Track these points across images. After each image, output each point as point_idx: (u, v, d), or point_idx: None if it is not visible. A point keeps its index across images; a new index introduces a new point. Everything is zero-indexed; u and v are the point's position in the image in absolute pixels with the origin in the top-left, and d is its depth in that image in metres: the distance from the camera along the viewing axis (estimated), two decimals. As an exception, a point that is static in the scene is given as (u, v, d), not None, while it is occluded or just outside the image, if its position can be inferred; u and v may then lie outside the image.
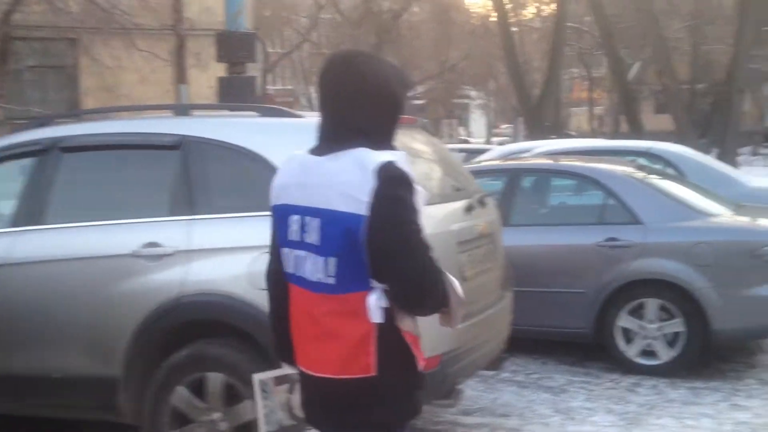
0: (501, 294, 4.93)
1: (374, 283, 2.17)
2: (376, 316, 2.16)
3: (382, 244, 2.11)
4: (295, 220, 2.26)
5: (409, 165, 2.20)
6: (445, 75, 28.00)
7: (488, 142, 46.26)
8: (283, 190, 2.32)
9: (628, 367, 6.17)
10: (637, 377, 6.06)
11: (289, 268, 2.31)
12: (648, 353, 6.16)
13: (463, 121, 52.07)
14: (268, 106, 4.66)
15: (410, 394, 2.28)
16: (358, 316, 2.17)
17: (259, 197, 3.06)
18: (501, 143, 41.77)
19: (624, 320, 6.16)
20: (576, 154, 8.38)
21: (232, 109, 4.68)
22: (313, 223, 2.20)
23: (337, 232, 2.15)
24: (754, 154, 36.84)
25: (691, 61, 25.62)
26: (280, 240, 2.34)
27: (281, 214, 2.32)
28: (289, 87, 33.67)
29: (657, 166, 8.07)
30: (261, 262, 2.63)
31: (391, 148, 2.24)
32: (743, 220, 6.38)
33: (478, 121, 52.22)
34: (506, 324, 4.96)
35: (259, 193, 3.03)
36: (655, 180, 6.62)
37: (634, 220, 6.16)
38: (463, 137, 42.65)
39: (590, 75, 44.94)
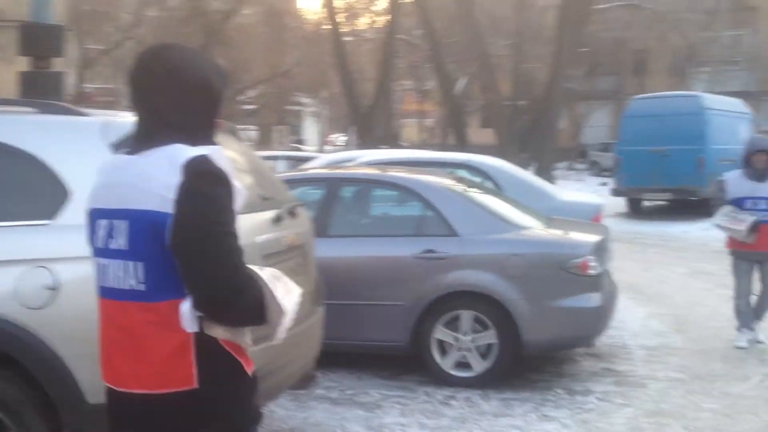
0: (311, 309, 4.72)
1: (185, 290, 2.04)
2: (190, 326, 2.03)
3: (185, 245, 1.98)
4: (102, 225, 2.12)
5: (225, 160, 2.08)
6: (276, 80, 27.69)
7: (321, 150, 46.46)
8: (93, 192, 2.18)
9: (443, 380, 6.18)
10: (452, 390, 6.07)
11: (96, 278, 2.16)
12: (462, 365, 6.19)
13: (296, 129, 51.89)
14: (48, 102, 4.20)
15: (243, 402, 2.16)
16: (169, 325, 2.03)
17: (33, 203, 2.70)
18: (334, 152, 42.12)
19: (440, 332, 6.16)
20: (398, 164, 8.35)
21: (6, 104, 4.16)
22: (122, 226, 2.06)
23: (144, 233, 2.02)
24: (570, 169, 39.04)
25: (513, 79, 26.71)
26: (91, 249, 2.19)
27: (90, 220, 2.18)
28: (111, 86, 32.17)
29: (476, 179, 8.20)
30: (32, 277, 2.27)
31: (210, 143, 2.13)
32: (553, 233, 6.55)
33: (310, 129, 52.22)
34: (316, 341, 4.78)
35: (33, 199, 2.67)
36: (472, 192, 6.67)
37: (451, 232, 6.17)
38: (294, 144, 42.43)
39: (421, 87, 46.07)
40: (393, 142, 44.11)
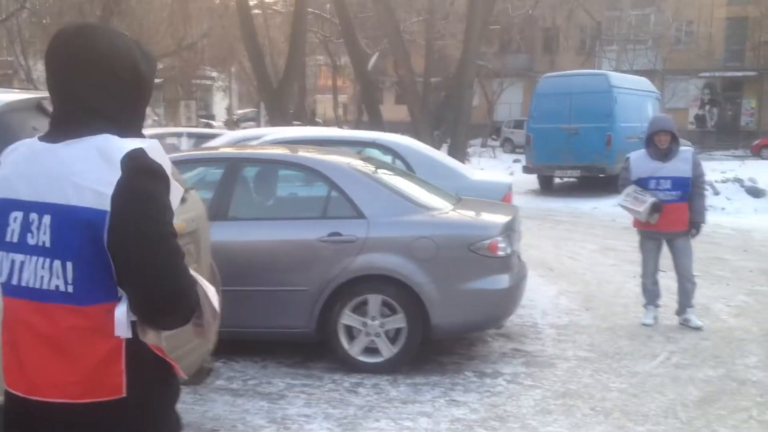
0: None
1: (121, 292, 1.89)
2: (124, 332, 1.89)
3: (125, 246, 1.84)
4: (15, 217, 1.92)
5: (163, 155, 1.94)
6: (182, 54, 26.87)
7: (231, 126, 45.57)
8: (3, 182, 1.96)
9: (351, 366, 6.01)
10: (360, 376, 5.91)
11: (1, 276, 1.96)
12: (371, 351, 6.03)
13: (206, 104, 50.74)
14: None
15: (169, 408, 2.07)
16: (103, 330, 1.88)
17: None
18: (245, 128, 41.37)
19: (347, 318, 5.97)
20: (306, 143, 8.08)
21: None
22: (44, 221, 1.88)
23: (73, 230, 1.85)
24: (484, 146, 39.46)
25: (426, 55, 26.62)
26: None
27: None
28: (9, 58, 30.59)
29: (386, 158, 8.02)
30: None
31: (139, 134, 1.99)
32: (462, 214, 6.41)
33: (220, 104, 51.17)
34: (212, 333, 4.49)
35: None
36: (380, 173, 6.46)
37: (358, 215, 5.96)
38: (205, 120, 41.47)
39: (335, 63, 45.64)
40: (306, 118, 43.79)
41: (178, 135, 12.78)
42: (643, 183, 7.24)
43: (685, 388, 5.75)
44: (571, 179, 20.64)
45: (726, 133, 40.69)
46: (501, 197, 7.98)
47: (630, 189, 7.30)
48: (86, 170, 1.84)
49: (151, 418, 2.00)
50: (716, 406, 5.40)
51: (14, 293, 1.95)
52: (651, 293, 7.45)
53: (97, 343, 1.89)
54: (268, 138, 8.32)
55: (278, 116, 19.24)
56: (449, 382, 5.86)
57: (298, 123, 35.49)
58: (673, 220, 7.18)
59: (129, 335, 1.90)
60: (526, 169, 20.57)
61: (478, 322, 6.19)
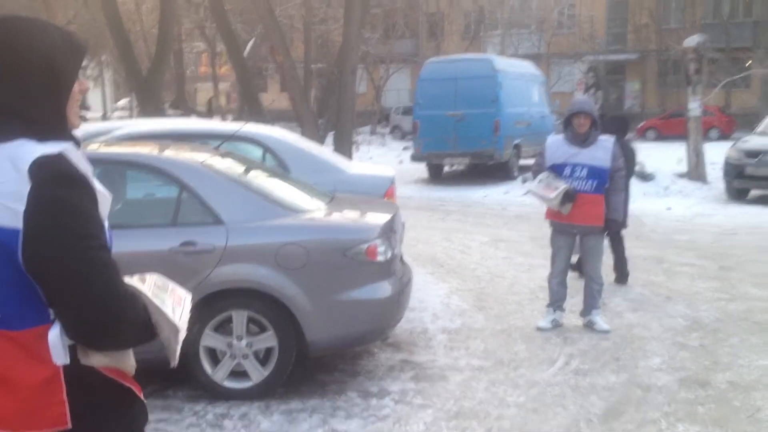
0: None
1: (51, 315, 1.71)
2: (59, 357, 1.71)
3: (45, 265, 1.64)
4: None
5: (80, 158, 1.75)
6: (45, 42, 25.16)
7: (106, 117, 43.41)
8: None
9: (216, 394, 5.23)
10: (226, 405, 5.14)
11: None
12: (238, 374, 5.26)
13: (79, 95, 48.16)
14: None
15: None
16: (36, 357, 1.71)
17: None
18: (120, 118, 39.47)
19: (208, 338, 5.17)
20: (162, 138, 7.14)
21: None
22: None
23: None
24: (373, 133, 38.99)
25: (305, 40, 25.79)
26: None
27: None
28: None
29: (257, 153, 7.21)
30: None
31: (63, 136, 1.77)
32: (336, 216, 5.67)
33: (93, 94, 48.78)
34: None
35: None
36: (240, 172, 5.64)
37: (215, 220, 5.14)
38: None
39: (213, 49, 44.11)
40: (187, 107, 42.19)
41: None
42: (557, 169, 6.62)
43: (588, 399, 5.24)
44: (460, 167, 20.29)
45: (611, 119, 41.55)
46: (383, 192, 7.28)
47: (543, 175, 6.66)
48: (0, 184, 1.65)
49: None
50: (623, 420, 4.91)
51: None
52: (555, 294, 6.88)
53: (31, 370, 1.71)
54: (118, 133, 7.32)
55: (150, 106, 18.04)
56: (330, 406, 5.17)
57: (176, 112, 34.10)
58: (587, 212, 6.58)
59: (66, 361, 1.73)
60: (415, 157, 20.07)
61: (359, 335, 5.47)
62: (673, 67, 40.87)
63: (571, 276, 7.22)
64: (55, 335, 1.72)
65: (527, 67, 22.01)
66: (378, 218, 5.51)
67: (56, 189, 1.67)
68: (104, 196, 1.80)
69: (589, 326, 6.75)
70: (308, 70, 23.76)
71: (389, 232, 5.41)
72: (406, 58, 44.40)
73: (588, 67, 44.17)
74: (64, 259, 1.66)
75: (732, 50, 35.71)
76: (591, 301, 6.79)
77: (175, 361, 1.94)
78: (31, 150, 1.70)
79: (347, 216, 5.74)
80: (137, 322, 1.78)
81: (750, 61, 34.51)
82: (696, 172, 16.87)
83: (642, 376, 5.63)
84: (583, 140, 6.55)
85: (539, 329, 6.76)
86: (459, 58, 20.77)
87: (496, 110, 18.23)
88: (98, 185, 1.80)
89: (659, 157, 22.34)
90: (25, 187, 1.65)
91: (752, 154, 14.61)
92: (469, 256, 10.23)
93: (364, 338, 5.60)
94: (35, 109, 1.76)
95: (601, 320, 6.76)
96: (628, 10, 43.19)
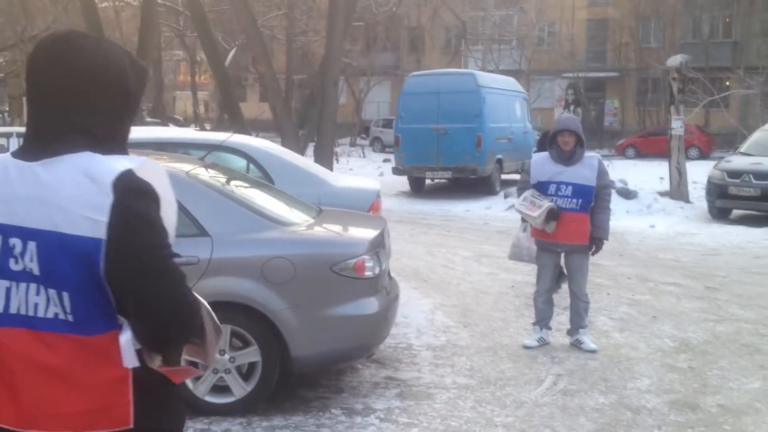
0: None
1: (122, 320, 1.77)
2: (130, 360, 1.77)
3: (125, 275, 1.72)
4: None
5: (156, 173, 1.81)
6: (24, 47, 24.75)
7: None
8: None
9: (197, 409, 5.06)
10: (207, 420, 5.00)
11: None
12: (220, 389, 5.11)
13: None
14: None
15: None
16: (108, 360, 1.76)
17: None
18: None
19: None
20: (144, 147, 6.98)
21: None
22: (29, 247, 1.75)
23: (67, 260, 1.72)
24: (353, 145, 38.93)
25: (287, 51, 25.68)
26: None
27: None
28: None
29: (240, 164, 7.08)
30: None
31: (123, 151, 1.85)
32: (323, 229, 5.55)
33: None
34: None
35: None
36: (226, 183, 5.50)
37: (200, 232, 4.99)
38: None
39: (192, 58, 43.91)
40: (165, 116, 41.87)
41: (7, 135, 11.22)
42: (542, 187, 6.53)
43: (576, 420, 5.14)
44: (442, 180, 20.22)
45: (590, 133, 41.74)
46: (369, 206, 7.17)
47: (527, 193, 6.57)
48: (75, 195, 1.73)
49: None
50: (613, 443, 4.79)
51: (4, 321, 1.82)
52: (541, 312, 6.78)
53: (102, 372, 1.79)
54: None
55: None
56: (314, 423, 5.04)
57: (154, 121, 33.78)
58: (572, 231, 6.49)
59: (137, 364, 1.80)
60: (396, 171, 19.99)
61: (345, 351, 5.34)
62: (652, 85, 41.25)
63: (557, 294, 7.13)
64: (126, 339, 1.79)
65: (510, 83, 22.04)
66: (366, 233, 5.41)
67: (137, 203, 1.75)
68: (170, 204, 1.88)
69: (576, 345, 6.66)
70: (289, 81, 23.59)
71: (378, 247, 5.30)
72: (386, 71, 44.45)
73: (568, 84, 44.45)
74: (143, 270, 1.74)
75: (711, 70, 36.06)
76: (578, 320, 6.70)
77: (210, 361, 2.04)
78: (107, 164, 1.76)
79: (335, 230, 5.62)
80: (199, 326, 1.90)
81: (728, 81, 34.85)
82: (678, 190, 16.92)
83: (631, 397, 5.54)
84: (568, 158, 6.48)
85: (526, 347, 6.67)
86: (442, 73, 20.77)
87: (479, 125, 18.21)
88: (164, 192, 1.85)
89: (641, 175, 22.45)
90: (106, 199, 1.72)
91: (735, 174, 14.66)
92: (452, 270, 10.13)
93: (351, 355, 5.48)
94: (104, 126, 1.84)
95: (588, 339, 6.67)
96: (608, 28, 43.54)
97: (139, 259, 1.74)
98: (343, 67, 29.48)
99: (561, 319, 7.23)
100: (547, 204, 6.39)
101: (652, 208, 15.72)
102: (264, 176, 7.05)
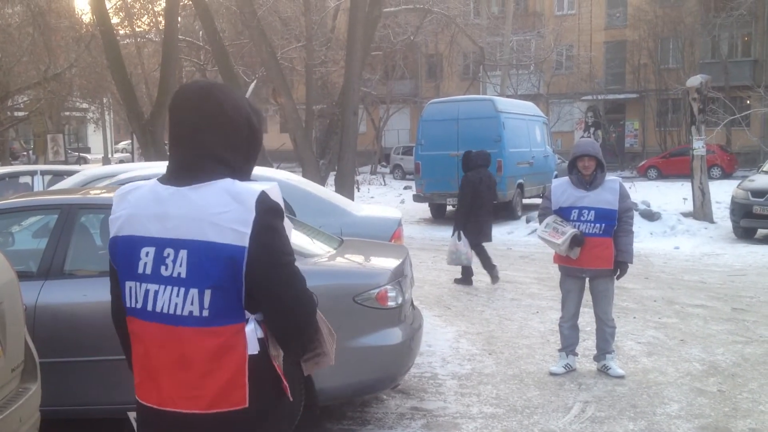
0: (17, 389, 3.43)
1: (248, 314, 2.17)
2: (253, 348, 2.16)
3: (263, 273, 2.12)
4: (147, 252, 2.19)
5: (279, 195, 2.23)
6: (47, 85, 25.09)
7: (107, 160, 43.42)
8: (130, 220, 2.23)
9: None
10: (232, 456, 4.92)
11: (136, 303, 2.21)
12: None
13: (80, 137, 48.28)
14: None
15: (279, 423, 2.31)
16: (234, 348, 2.14)
17: None
18: (121, 161, 39.45)
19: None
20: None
21: None
22: (180, 255, 2.15)
23: (214, 263, 2.12)
24: (373, 173, 39.02)
25: (307, 82, 25.85)
26: (123, 274, 2.25)
27: (126, 246, 2.24)
28: None
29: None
30: None
31: (249, 177, 2.28)
32: (345, 259, 5.54)
33: (94, 137, 48.87)
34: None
35: None
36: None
37: (222, 266, 4.99)
38: (80, 154, 39.35)
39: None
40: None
41: (32, 173, 11.41)
42: (564, 213, 6.50)
43: (606, 448, 5.05)
44: (463, 206, 20.14)
45: (612, 155, 41.56)
46: (390, 235, 7.15)
47: (550, 219, 6.53)
48: (223, 211, 2.12)
49: (268, 426, 2.26)
50: (644, 471, 4.71)
51: (148, 318, 2.20)
52: (567, 338, 6.72)
53: (226, 359, 2.14)
54: (122, 176, 7.21)
55: (152, 149, 17.96)
56: (338, 456, 4.99)
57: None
58: (596, 256, 6.44)
59: (256, 351, 2.17)
60: (417, 198, 19.99)
61: (369, 383, 5.30)
62: (672, 106, 41.05)
63: (582, 321, 7.06)
64: (251, 330, 2.17)
65: (529, 107, 22.04)
66: (388, 262, 5.39)
67: (272, 218, 2.16)
68: (290, 226, 2.30)
69: (604, 371, 6.58)
70: (309, 112, 23.70)
71: (400, 276, 5.28)
72: (405, 99, 44.61)
73: (587, 106, 44.37)
74: (278, 272, 2.15)
75: (731, 89, 35.87)
76: (604, 345, 6.63)
77: (331, 362, 2.41)
78: (247, 187, 2.17)
79: (357, 260, 5.61)
80: (316, 324, 2.30)
81: (749, 100, 34.63)
82: (702, 211, 16.78)
83: (661, 423, 5.45)
84: (589, 183, 6.44)
85: (552, 374, 6.60)
86: (460, 99, 20.79)
87: (499, 150, 18.18)
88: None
89: (663, 196, 22.30)
90: (249, 215, 2.12)
91: (759, 193, 14.51)
92: (476, 297, 10.08)
93: (375, 386, 5.43)
94: (238, 157, 2.26)
95: (615, 365, 6.59)
96: (627, 50, 43.49)
97: (274, 262, 2.15)
98: (363, 96, 29.65)
99: (587, 344, 7.16)
100: (570, 230, 6.35)
101: (676, 230, 15.59)
102: (285, 208, 7.05)
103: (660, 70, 41.00)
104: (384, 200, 22.82)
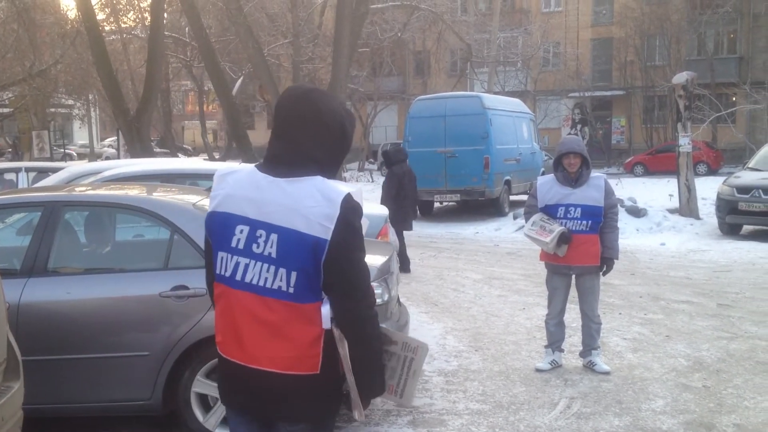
0: (0, 387, 3.40)
1: (323, 295, 2.55)
2: (327, 324, 2.53)
3: (340, 265, 2.48)
4: (242, 230, 2.54)
5: (360, 196, 2.56)
6: (33, 81, 24.90)
7: (93, 156, 43.19)
8: (227, 199, 2.58)
9: (207, 442, 5.01)
10: (219, 453, 4.94)
11: (226, 271, 2.57)
12: (231, 421, 5.03)
13: (66, 134, 47.94)
14: None
15: (338, 392, 2.64)
16: (312, 322, 2.52)
17: None
18: (107, 158, 39.21)
19: (200, 385, 4.99)
20: (151, 178, 7.02)
21: None
22: (271, 237, 2.50)
23: (300, 250, 2.47)
24: (361, 170, 38.95)
25: (294, 79, 25.78)
26: (216, 245, 2.62)
27: (222, 221, 2.59)
28: None
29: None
30: None
31: (336, 176, 2.63)
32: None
33: (80, 133, 48.60)
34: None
35: None
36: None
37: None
38: (67, 151, 39.06)
39: (200, 88, 44.14)
40: (173, 146, 42.05)
41: (16, 170, 11.32)
42: (550, 210, 6.51)
43: (592, 444, 5.06)
44: (451, 203, 20.18)
45: (598, 152, 41.66)
46: (377, 232, 7.15)
47: (536, 217, 6.54)
48: (313, 206, 2.47)
49: (329, 396, 2.62)
50: (629, 466, 4.72)
51: (236, 286, 2.56)
52: (553, 335, 6.73)
53: (306, 330, 2.52)
54: (107, 174, 7.16)
55: (137, 146, 17.86)
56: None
57: (164, 152, 33.92)
58: (583, 252, 6.45)
59: (329, 326, 2.53)
60: (404, 195, 19.93)
61: (355, 380, 5.28)
62: (658, 103, 41.20)
63: (568, 317, 7.07)
64: (326, 309, 2.53)
65: (516, 104, 22.06)
66: (374, 260, 5.37)
67: (353, 217, 2.50)
68: (365, 221, 2.60)
69: (589, 367, 6.60)
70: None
71: (386, 273, 5.27)
72: (393, 95, 44.57)
73: (574, 103, 44.47)
74: (352, 264, 2.51)
75: (717, 86, 36.05)
76: (590, 341, 6.65)
77: (420, 371, 2.72)
78: (335, 187, 2.51)
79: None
80: (376, 315, 2.59)
81: (735, 97, 34.81)
82: (688, 207, 16.85)
83: (646, 419, 5.47)
84: (574, 180, 6.45)
85: (538, 371, 6.61)
86: (448, 96, 20.76)
87: (486, 147, 18.19)
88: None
89: (649, 192, 22.38)
90: (334, 212, 2.46)
91: (744, 189, 14.59)
92: (463, 294, 10.09)
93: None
94: (329, 157, 2.58)
95: (600, 361, 6.62)
96: (613, 47, 43.61)
97: (349, 256, 2.50)
98: (350, 93, 29.62)
99: (573, 340, 7.18)
100: (558, 228, 6.36)
101: (662, 226, 15.65)
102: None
103: (646, 67, 41.14)
104: (371, 197, 22.79)
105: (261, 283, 2.50)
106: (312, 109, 2.54)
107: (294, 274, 2.48)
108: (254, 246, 2.51)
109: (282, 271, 2.48)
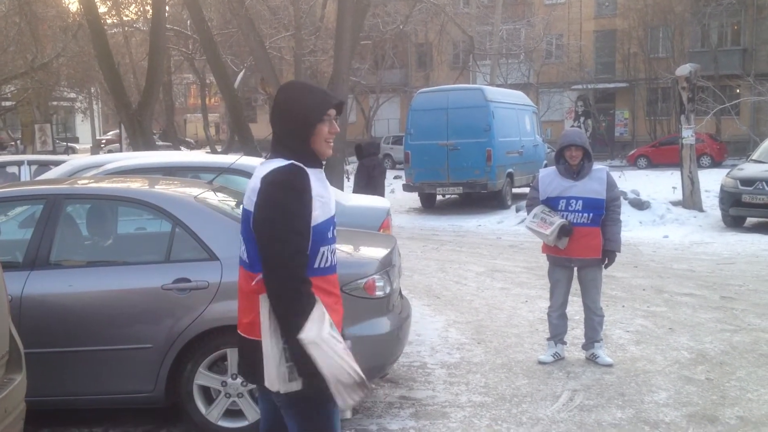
0: (3, 379, 3.40)
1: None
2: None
3: (258, 233, 2.74)
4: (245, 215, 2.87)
5: (307, 176, 2.76)
6: (35, 75, 24.91)
7: (95, 149, 43.18)
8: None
9: (211, 433, 5.00)
10: (221, 445, 4.93)
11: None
12: (233, 413, 5.06)
13: (68, 127, 47.96)
14: None
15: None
16: (261, 290, 2.75)
17: None
18: (110, 151, 39.23)
19: (202, 377, 4.99)
20: (154, 171, 7.00)
21: None
22: (244, 216, 2.87)
23: (247, 222, 2.82)
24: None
25: (296, 71, 25.75)
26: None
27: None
28: None
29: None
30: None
31: (311, 162, 2.85)
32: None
33: (82, 127, 48.54)
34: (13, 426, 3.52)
35: None
36: (234, 206, 5.48)
37: (209, 256, 4.97)
38: (69, 144, 39.09)
39: (202, 81, 44.08)
40: (176, 139, 41.99)
41: (19, 163, 11.33)
42: (551, 203, 6.49)
43: (594, 437, 5.06)
44: (453, 196, 20.17)
45: (601, 144, 41.58)
46: (379, 224, 7.14)
47: (537, 209, 6.52)
48: (253, 184, 2.79)
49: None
50: (632, 459, 4.72)
51: (240, 263, 2.98)
52: (556, 327, 6.72)
53: (257, 298, 2.76)
54: (109, 167, 7.15)
55: (140, 138, 17.86)
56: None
57: (166, 145, 33.87)
58: (585, 245, 6.44)
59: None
60: (407, 187, 19.95)
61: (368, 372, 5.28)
62: (662, 95, 41.10)
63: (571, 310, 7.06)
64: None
65: (518, 96, 22.01)
66: (376, 251, 5.37)
67: (273, 191, 2.71)
68: (323, 202, 2.84)
69: (592, 360, 6.60)
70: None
71: (388, 265, 5.26)
72: (395, 88, 44.51)
73: (577, 95, 44.37)
74: (265, 232, 2.70)
75: (721, 77, 35.93)
76: (592, 334, 6.64)
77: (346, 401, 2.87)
78: (274, 165, 2.77)
79: (345, 250, 5.58)
80: (300, 308, 2.66)
81: (739, 89, 34.71)
82: (691, 199, 16.82)
83: (649, 411, 5.47)
84: (576, 172, 6.44)
85: (541, 363, 6.61)
86: (450, 88, 20.70)
87: (489, 140, 18.17)
88: (320, 190, 2.84)
89: (653, 185, 22.35)
90: (257, 185, 2.76)
91: (748, 182, 14.55)
92: (465, 287, 10.08)
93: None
94: (292, 141, 2.84)
95: (603, 353, 6.61)
96: (616, 39, 43.48)
97: (263, 227, 2.71)
98: (352, 86, 29.56)
99: (576, 333, 7.18)
100: (558, 221, 6.35)
101: (665, 218, 15.62)
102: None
103: (650, 59, 41.02)
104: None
105: (243, 257, 2.90)
106: (278, 99, 2.89)
107: (248, 246, 2.82)
108: (244, 225, 2.86)
109: (246, 244, 2.84)
